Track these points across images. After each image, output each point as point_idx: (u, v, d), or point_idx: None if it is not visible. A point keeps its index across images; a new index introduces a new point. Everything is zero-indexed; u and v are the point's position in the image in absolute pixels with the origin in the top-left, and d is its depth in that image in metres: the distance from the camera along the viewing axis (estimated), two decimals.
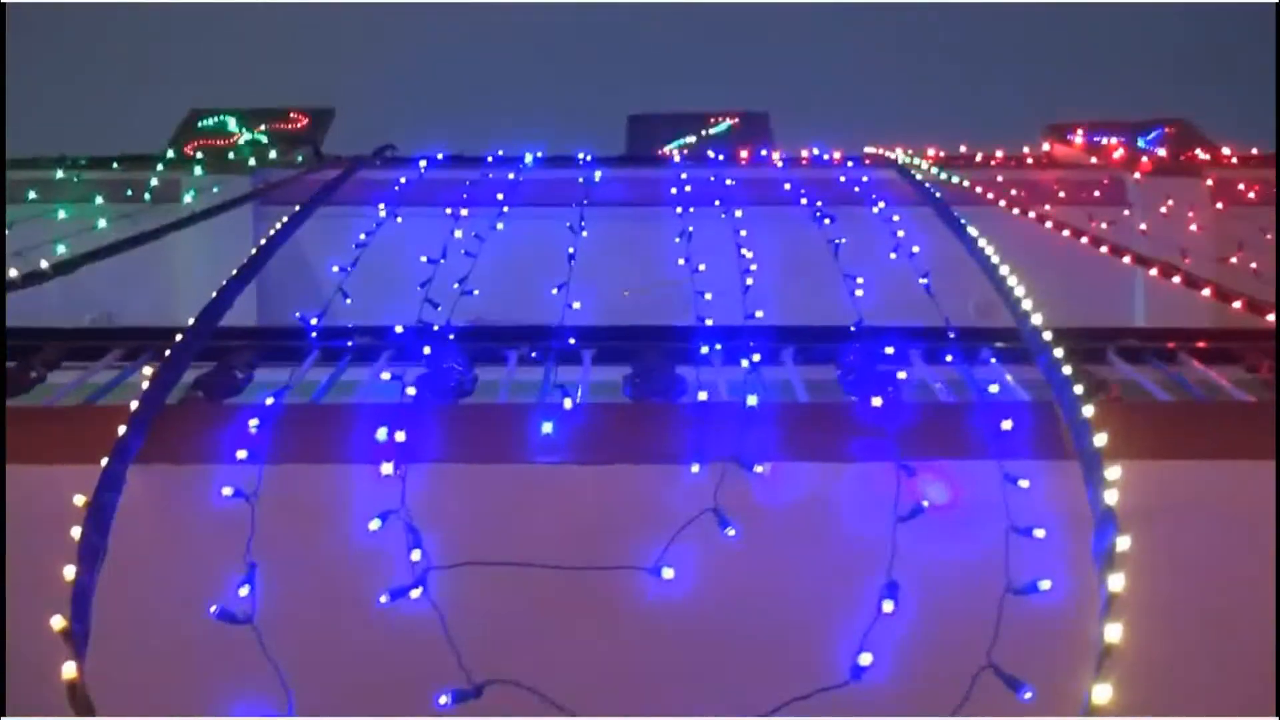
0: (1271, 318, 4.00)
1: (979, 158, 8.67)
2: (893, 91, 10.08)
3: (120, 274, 6.17)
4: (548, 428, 3.01)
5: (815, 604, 2.85)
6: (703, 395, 3.37)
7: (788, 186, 7.20)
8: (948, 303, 8.30)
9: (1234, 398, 3.71)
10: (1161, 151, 8.96)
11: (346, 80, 10.08)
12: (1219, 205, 7.17)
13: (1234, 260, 6.07)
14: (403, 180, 7.30)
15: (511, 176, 7.30)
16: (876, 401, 3.11)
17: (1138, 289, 7.55)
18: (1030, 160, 8.29)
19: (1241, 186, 7.55)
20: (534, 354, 4.24)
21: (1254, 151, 8.55)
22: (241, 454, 2.93)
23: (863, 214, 6.82)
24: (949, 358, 4.11)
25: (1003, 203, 7.46)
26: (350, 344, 4.39)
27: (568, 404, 3.12)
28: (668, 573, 2.66)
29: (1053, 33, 10.46)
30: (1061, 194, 7.77)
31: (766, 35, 10.12)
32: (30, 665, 2.28)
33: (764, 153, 8.14)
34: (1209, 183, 7.29)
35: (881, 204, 6.26)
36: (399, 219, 6.72)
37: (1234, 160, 7.91)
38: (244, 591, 2.56)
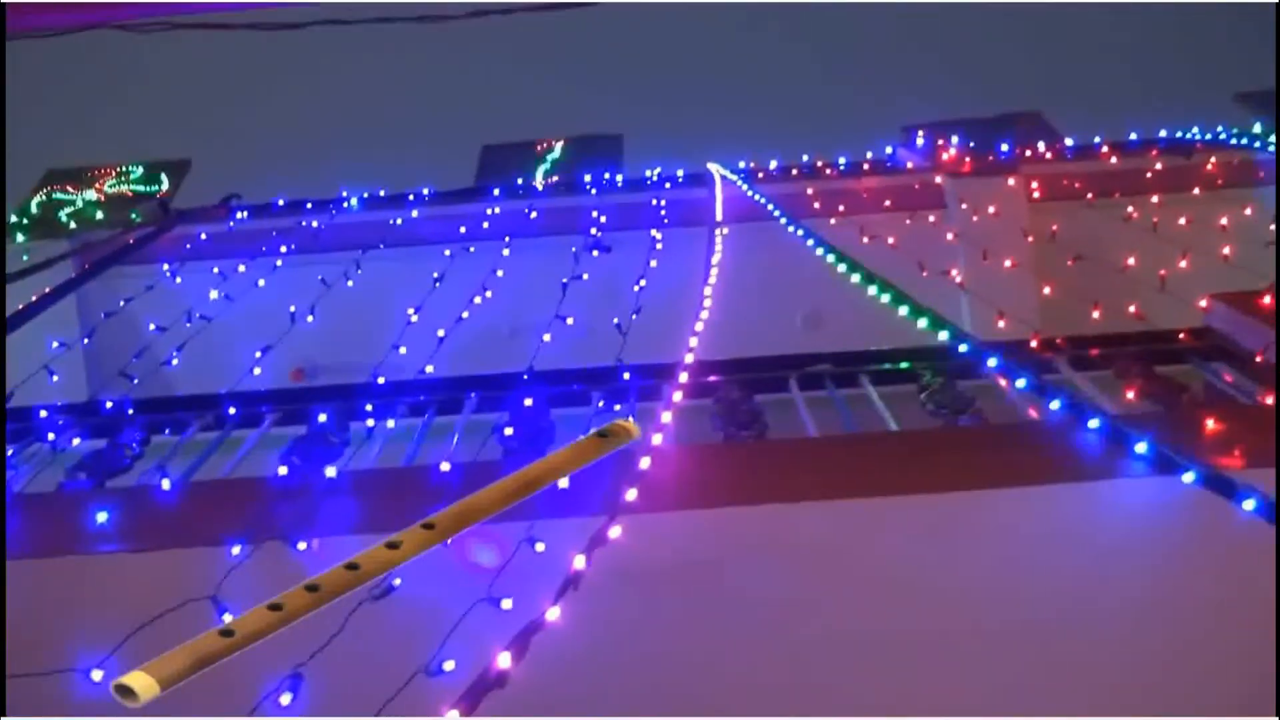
0: None
1: (821, 166, 8.67)
2: (749, 100, 10.05)
3: None
4: None
5: None
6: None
7: (598, 216, 7.24)
8: (777, 316, 8.31)
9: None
10: (1004, 147, 8.95)
11: (204, 129, 10.12)
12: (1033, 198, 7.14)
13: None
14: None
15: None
16: None
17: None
18: (854, 165, 8.26)
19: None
20: None
21: (1096, 140, 8.52)
22: None
23: (690, 234, 6.88)
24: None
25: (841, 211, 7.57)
26: None
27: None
28: None
29: (917, 26, 10.44)
30: (888, 202, 7.76)
31: (623, 56, 10.11)
32: None
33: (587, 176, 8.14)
34: (1033, 184, 7.24)
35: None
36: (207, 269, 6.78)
37: (1049, 155, 7.86)
38: None
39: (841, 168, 8.33)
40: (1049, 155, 7.80)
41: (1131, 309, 4.69)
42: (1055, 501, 3.10)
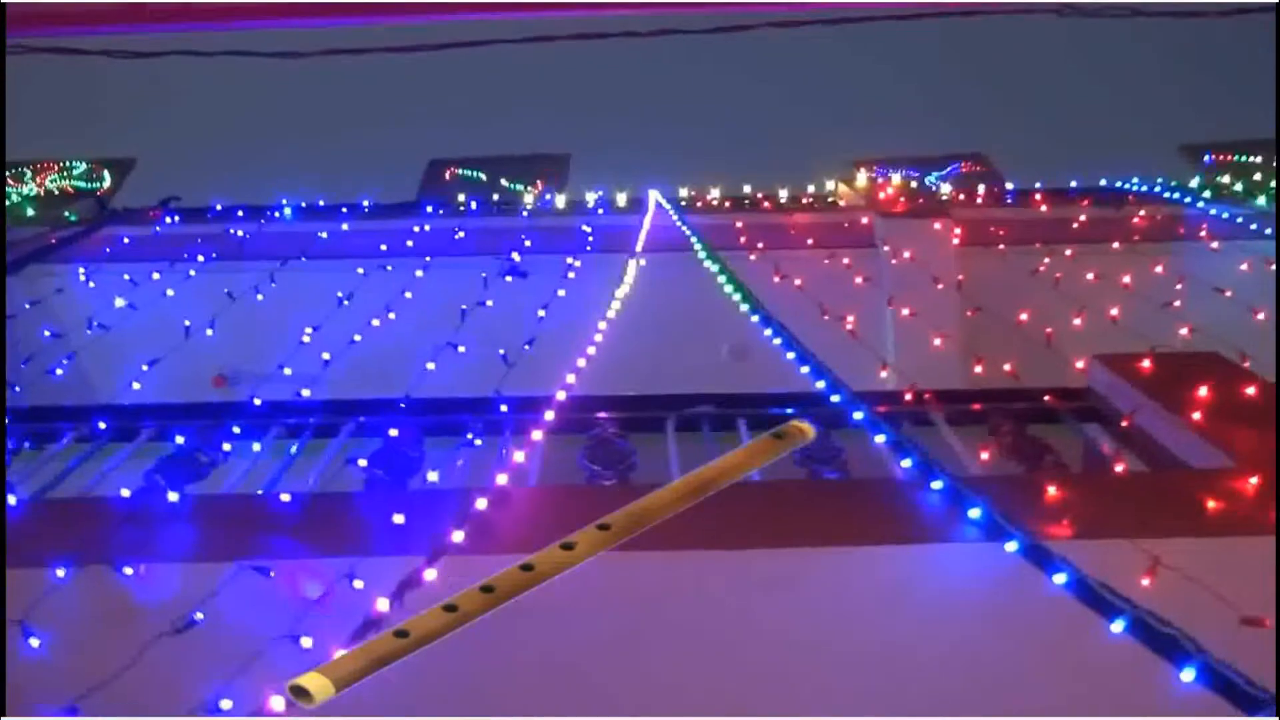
0: None
1: (761, 198, 8.72)
2: (704, 128, 10.08)
3: None
4: None
5: None
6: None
7: (527, 242, 7.25)
8: (703, 347, 8.30)
9: None
10: (946, 187, 9.03)
11: (149, 129, 10.09)
12: (955, 242, 7.17)
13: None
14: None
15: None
16: None
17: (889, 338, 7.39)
18: (792, 200, 8.30)
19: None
20: None
21: (1036, 186, 8.60)
22: None
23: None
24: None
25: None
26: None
27: None
28: None
29: (875, 63, 10.49)
30: (810, 240, 7.79)
31: (572, 75, 10.12)
32: None
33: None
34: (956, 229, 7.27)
35: None
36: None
37: (979, 199, 7.92)
38: None
39: (780, 201, 8.37)
40: (979, 200, 7.85)
41: (1007, 367, 4.72)
42: (893, 561, 3.12)
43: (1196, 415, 3.78)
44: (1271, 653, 2.63)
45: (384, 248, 7.29)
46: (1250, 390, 3.97)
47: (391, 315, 5.55)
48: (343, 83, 10.34)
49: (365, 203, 8.33)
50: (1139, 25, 8.87)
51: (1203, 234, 7.05)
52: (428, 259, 6.62)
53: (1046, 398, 4.52)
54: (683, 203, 8.60)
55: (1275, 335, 4.57)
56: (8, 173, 8.90)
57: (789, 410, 4.63)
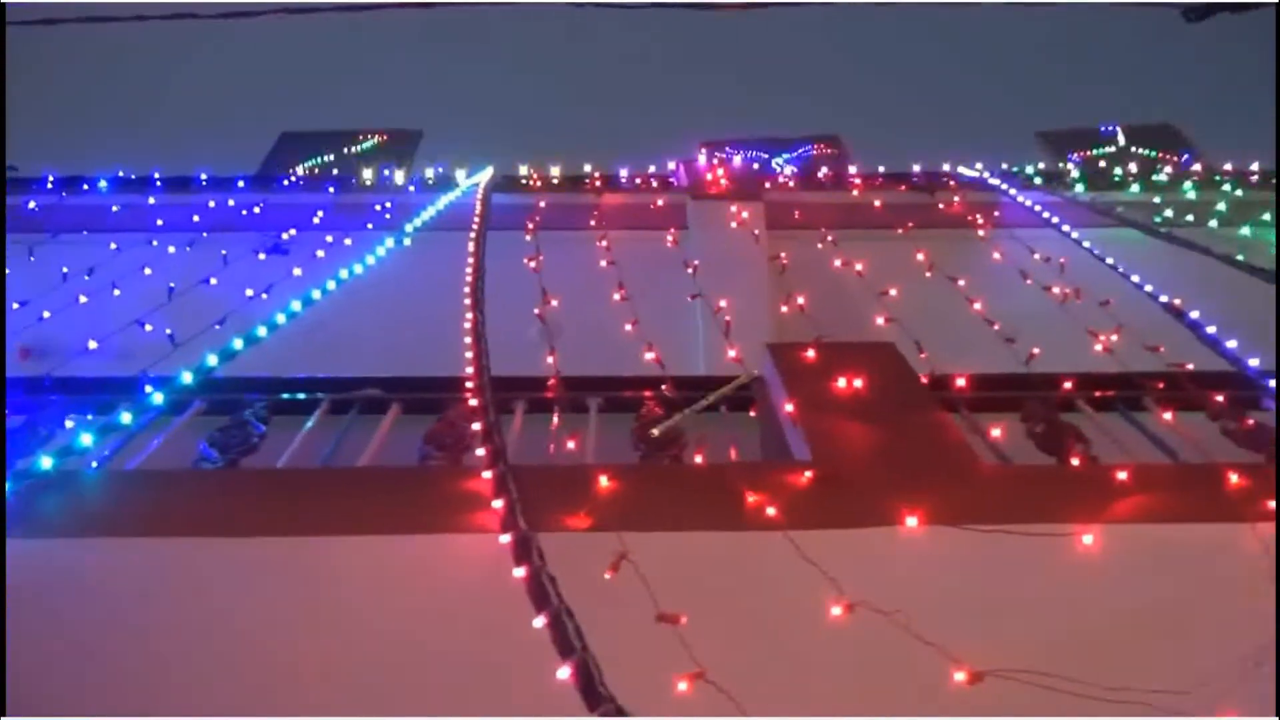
0: None
1: (600, 178, 8.66)
2: (551, 106, 10.06)
3: None
4: None
5: None
6: None
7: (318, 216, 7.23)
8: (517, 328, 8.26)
9: None
10: (790, 169, 8.97)
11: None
12: (756, 231, 7.14)
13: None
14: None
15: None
16: None
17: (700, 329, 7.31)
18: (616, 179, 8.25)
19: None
20: None
21: (880, 169, 8.54)
22: None
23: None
24: None
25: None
26: None
27: None
28: None
29: (739, 41, 10.46)
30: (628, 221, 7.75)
31: (429, 50, 10.09)
32: None
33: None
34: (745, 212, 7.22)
35: None
36: None
37: (790, 183, 7.88)
38: None
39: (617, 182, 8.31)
40: (790, 184, 7.81)
41: (732, 353, 4.71)
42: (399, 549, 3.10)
43: (789, 408, 3.77)
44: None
45: (197, 219, 7.30)
46: (858, 384, 3.94)
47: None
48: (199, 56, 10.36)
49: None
50: (1008, 14, 8.82)
51: (992, 220, 7.02)
52: (205, 234, 6.60)
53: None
54: (525, 181, 8.57)
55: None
56: None
57: None
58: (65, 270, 6.74)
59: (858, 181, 7.97)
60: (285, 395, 4.58)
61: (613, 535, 2.98)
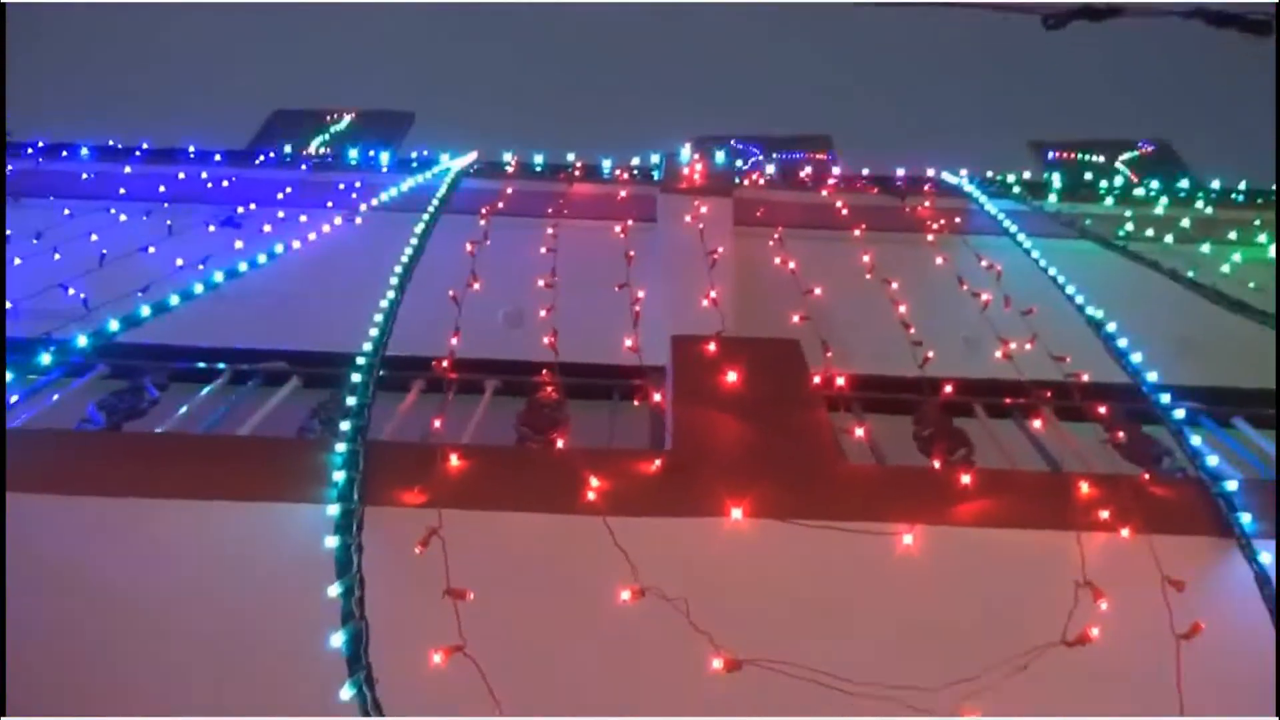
0: None
1: (579, 168, 8.68)
2: (541, 97, 10.08)
3: None
4: None
5: None
6: None
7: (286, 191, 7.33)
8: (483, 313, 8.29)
9: None
10: (770, 168, 8.94)
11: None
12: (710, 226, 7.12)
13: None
14: None
15: None
16: None
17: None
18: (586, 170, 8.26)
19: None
20: None
21: (864, 172, 8.49)
22: None
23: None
24: None
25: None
26: None
27: None
28: None
29: (734, 38, 10.45)
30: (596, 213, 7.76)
31: (425, 34, 10.17)
32: None
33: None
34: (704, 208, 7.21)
35: None
36: None
37: (761, 180, 7.86)
38: None
39: (581, 171, 8.33)
40: (761, 181, 7.79)
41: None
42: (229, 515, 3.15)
43: (657, 397, 3.80)
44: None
45: (163, 189, 7.41)
46: (732, 377, 3.95)
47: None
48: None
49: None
50: (1003, 22, 8.73)
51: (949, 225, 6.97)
52: (165, 205, 6.72)
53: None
54: (504, 167, 8.62)
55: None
56: None
57: None
58: (9, 233, 6.82)
59: (830, 183, 7.93)
60: (186, 364, 4.64)
61: (435, 512, 3.03)
